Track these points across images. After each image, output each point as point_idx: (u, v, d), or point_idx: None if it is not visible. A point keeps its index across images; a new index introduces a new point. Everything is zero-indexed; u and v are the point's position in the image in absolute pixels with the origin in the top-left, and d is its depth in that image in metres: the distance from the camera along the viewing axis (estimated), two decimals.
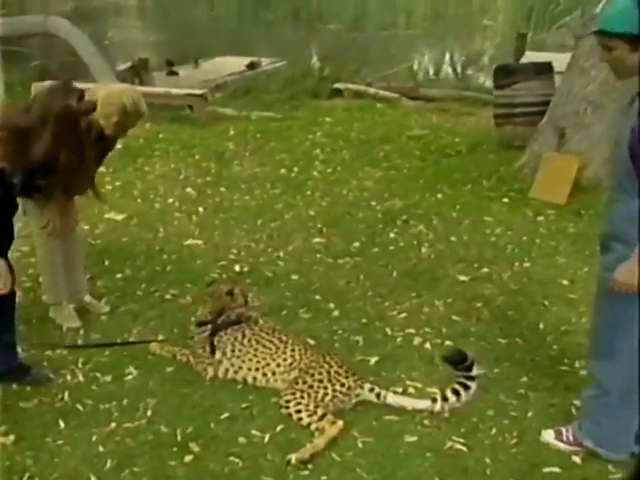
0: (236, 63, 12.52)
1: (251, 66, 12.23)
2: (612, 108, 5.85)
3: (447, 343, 3.73)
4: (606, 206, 2.72)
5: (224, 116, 8.80)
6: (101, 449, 2.83)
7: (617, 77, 2.58)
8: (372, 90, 10.39)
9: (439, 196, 6.07)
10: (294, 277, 4.51)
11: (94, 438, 2.90)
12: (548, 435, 2.97)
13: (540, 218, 5.60)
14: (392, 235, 5.23)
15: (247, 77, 11.75)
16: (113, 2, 26.33)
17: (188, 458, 2.79)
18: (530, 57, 10.20)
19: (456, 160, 7.19)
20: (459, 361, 3.12)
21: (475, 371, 3.15)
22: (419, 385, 3.34)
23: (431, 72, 16.84)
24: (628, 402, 2.70)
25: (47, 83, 8.83)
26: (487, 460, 2.84)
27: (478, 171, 6.71)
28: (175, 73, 11.18)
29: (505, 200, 5.98)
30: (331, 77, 11.44)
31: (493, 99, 7.89)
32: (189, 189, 6.13)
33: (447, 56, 19.64)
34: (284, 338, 3.37)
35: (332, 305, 4.13)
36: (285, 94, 10.34)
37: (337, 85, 10.60)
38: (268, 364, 3.28)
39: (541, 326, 3.95)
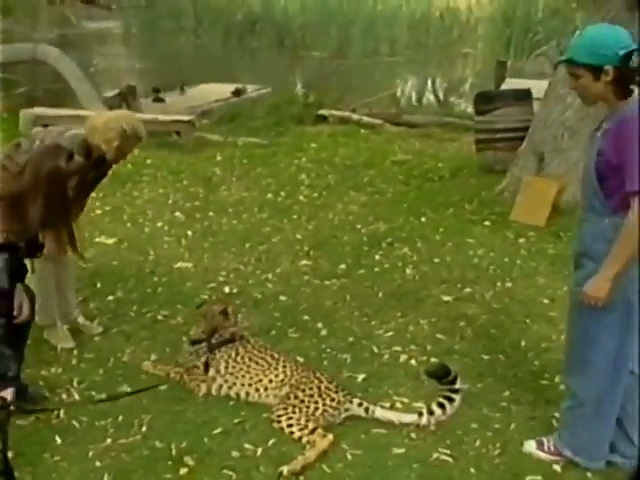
0: (221, 90, 12.71)
1: (236, 93, 12.43)
2: (588, 133, 6.01)
3: (432, 360, 3.84)
4: (577, 226, 2.88)
5: (211, 142, 8.95)
6: (97, 464, 2.92)
7: (584, 103, 2.77)
8: (356, 116, 10.59)
9: (422, 219, 6.22)
10: (282, 298, 4.62)
11: (90, 454, 2.98)
12: (530, 446, 3.09)
13: (521, 240, 5.76)
14: (377, 257, 5.36)
15: (232, 103, 11.93)
16: (98, 30, 26.57)
17: (183, 471, 2.87)
18: (510, 84, 10.44)
19: (439, 184, 7.36)
20: (442, 375, 3.24)
21: (459, 384, 3.27)
22: (406, 400, 3.45)
23: (414, 99, 17.18)
24: (602, 413, 2.83)
25: (37, 110, 9.00)
26: (472, 470, 2.95)
27: (460, 195, 6.88)
28: (161, 100, 11.35)
29: (487, 223, 6.14)
30: (316, 103, 11.62)
31: (474, 125, 8.10)
32: (178, 213, 6.25)
33: (429, 83, 20.04)
34: (276, 355, 3.48)
35: (320, 325, 4.25)
36: (270, 120, 10.50)
37: (322, 111, 10.80)
38: (261, 380, 3.39)
39: (522, 343, 4.08)
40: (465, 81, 19.95)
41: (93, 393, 3.44)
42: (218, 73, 15.85)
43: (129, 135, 3.60)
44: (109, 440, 3.07)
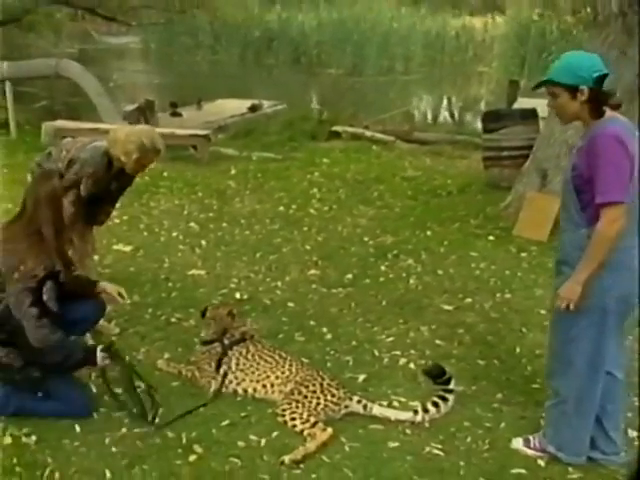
0: (237, 105, 13.03)
1: (252, 108, 12.74)
2: None
3: (430, 364, 4.04)
4: (559, 236, 3.11)
5: (226, 156, 9.25)
6: (113, 450, 3.15)
7: (561, 121, 3.02)
8: (369, 133, 10.85)
9: (428, 233, 6.44)
10: (290, 305, 4.85)
11: (107, 441, 3.21)
12: (517, 442, 3.30)
13: (523, 254, 5.96)
14: (383, 268, 5.58)
15: (248, 119, 12.24)
16: (118, 45, 27.10)
17: (192, 458, 3.10)
18: (522, 103, 10.59)
19: (446, 200, 7.59)
20: (437, 375, 3.46)
21: (453, 385, 3.49)
22: (403, 399, 3.67)
23: (429, 116, 17.43)
24: (582, 410, 3.05)
25: (58, 122, 9.34)
26: (461, 463, 3.16)
27: (466, 210, 7.10)
28: (179, 114, 11.67)
29: (490, 237, 6.34)
30: (329, 120, 11.91)
31: (482, 142, 8.33)
32: (192, 224, 6.51)
33: (445, 101, 20.30)
34: (283, 355, 3.72)
35: (325, 329, 4.47)
36: (284, 136, 10.79)
37: (335, 128, 11.07)
38: (268, 377, 3.61)
39: (517, 350, 4.28)
40: (480, 99, 20.21)
41: (110, 387, 3.65)
42: (235, 89, 16.19)
43: (148, 149, 3.87)
44: (124, 429, 3.30)
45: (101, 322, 4.34)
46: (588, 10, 6.50)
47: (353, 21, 24.33)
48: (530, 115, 7.86)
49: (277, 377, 3.59)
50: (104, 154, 4.04)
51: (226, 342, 3.82)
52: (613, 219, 2.73)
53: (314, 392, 3.42)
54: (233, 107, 12.97)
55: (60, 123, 9.42)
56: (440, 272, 5.51)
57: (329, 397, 3.41)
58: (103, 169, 4.05)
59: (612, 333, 2.95)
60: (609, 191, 2.72)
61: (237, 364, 3.69)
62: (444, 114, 18.34)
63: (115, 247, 5.76)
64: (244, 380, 3.64)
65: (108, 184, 4.04)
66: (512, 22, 23.72)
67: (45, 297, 3.23)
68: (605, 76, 2.81)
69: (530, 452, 3.23)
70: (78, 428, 3.29)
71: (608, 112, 2.84)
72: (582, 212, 2.86)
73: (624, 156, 2.72)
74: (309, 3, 26.80)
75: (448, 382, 3.49)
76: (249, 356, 3.71)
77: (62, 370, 3.39)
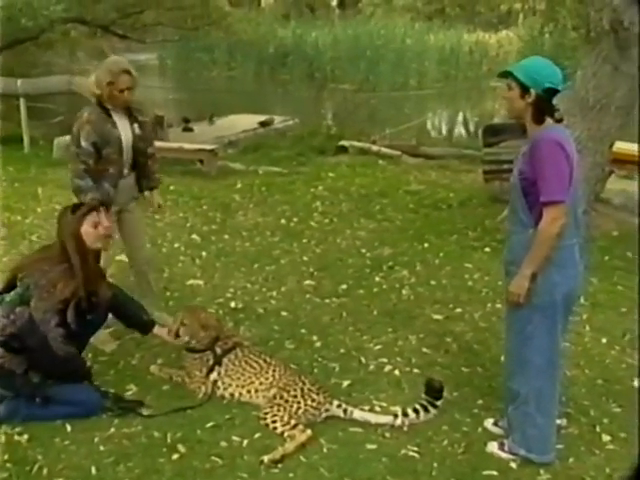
0: (249, 121, 13.23)
1: (264, 124, 12.93)
2: (583, 165, 6.34)
3: (415, 371, 4.17)
4: (506, 238, 3.31)
5: (233, 170, 9.42)
6: (102, 448, 3.30)
7: (508, 114, 3.21)
8: (375, 147, 10.97)
9: (425, 245, 6.55)
10: (283, 314, 4.98)
11: (96, 439, 3.37)
12: (492, 446, 3.41)
13: None
14: (377, 279, 5.69)
15: (259, 134, 12.43)
16: (134, 62, 27.48)
17: (175, 457, 3.25)
18: None
19: (446, 213, 7.69)
20: (436, 391, 3.56)
21: (439, 403, 3.59)
22: (384, 405, 3.78)
23: (443, 131, 17.55)
24: (543, 408, 3.18)
25: (69, 137, 9.57)
26: (435, 464, 3.27)
27: (465, 223, 7.20)
28: (190, 129, 11.90)
29: (487, 249, 6.44)
30: (338, 135, 12.07)
31: (482, 156, 8.44)
32: (194, 236, 6.67)
33: (460, 116, 20.42)
34: (268, 360, 3.85)
35: (315, 337, 4.59)
36: (294, 151, 10.95)
37: (342, 142, 11.21)
38: (252, 382, 3.75)
39: (502, 358, 4.35)
40: (494, 114, 20.29)
41: (103, 389, 3.81)
42: (249, 104, 16.42)
43: (114, 71, 4.07)
44: (113, 429, 3.46)
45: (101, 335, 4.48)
46: None
47: (367, 37, 24.53)
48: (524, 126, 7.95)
49: (261, 383, 3.73)
50: (93, 104, 4.23)
51: (218, 351, 3.94)
52: (555, 217, 2.94)
53: (295, 397, 3.55)
54: (245, 122, 13.18)
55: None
56: (433, 283, 5.62)
57: (309, 402, 3.54)
58: (95, 112, 4.18)
59: (561, 328, 3.16)
60: (551, 191, 2.93)
61: (225, 370, 3.83)
62: (459, 129, 18.49)
63: (117, 258, 5.91)
64: (230, 385, 3.79)
65: (107, 131, 4.17)
66: (524, 38, 23.84)
67: (69, 319, 3.57)
68: (556, 91, 3.00)
69: (504, 455, 3.34)
70: (69, 427, 3.45)
71: (548, 120, 3.04)
72: (529, 213, 3.05)
73: (564, 159, 2.94)
74: (324, 19, 27.13)
75: (438, 398, 3.60)
76: (236, 362, 3.85)
77: (76, 379, 3.72)
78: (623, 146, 8.52)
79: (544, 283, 3.05)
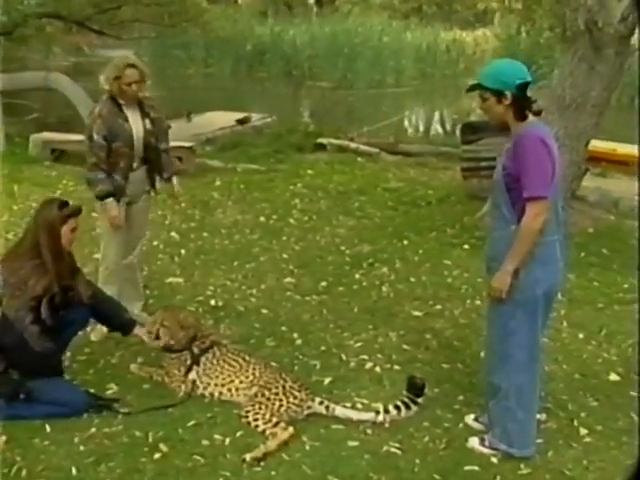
0: (227, 118, 13.15)
1: (241, 121, 12.86)
2: (560, 162, 6.40)
3: (395, 368, 4.19)
4: (488, 233, 3.34)
5: (211, 168, 9.36)
6: (82, 448, 3.28)
7: (491, 121, 3.24)
8: (354, 145, 10.96)
9: (405, 242, 6.57)
10: (264, 311, 4.98)
11: (76, 440, 3.34)
12: (473, 441, 3.44)
13: None
14: (357, 276, 5.71)
15: (236, 131, 12.36)
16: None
17: (157, 456, 3.24)
18: None
19: (425, 210, 7.72)
20: (417, 389, 3.58)
21: (421, 400, 3.61)
22: (366, 402, 3.79)
23: (420, 129, 17.61)
24: (524, 402, 3.22)
25: (46, 135, 9.48)
26: (417, 461, 3.29)
27: (444, 220, 7.24)
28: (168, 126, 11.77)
29: (466, 246, 6.48)
30: (316, 132, 12.04)
31: (460, 154, 8.49)
32: (173, 233, 6.63)
33: (437, 114, 20.51)
34: (247, 358, 3.84)
35: (296, 335, 4.60)
36: (271, 148, 10.90)
37: (321, 140, 11.20)
38: (232, 381, 3.74)
39: (482, 354, 4.38)
40: (470, 112, 20.41)
41: (83, 389, 3.78)
42: (227, 102, 16.32)
43: (120, 66, 4.18)
44: (94, 429, 3.43)
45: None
46: None
47: (344, 35, 24.52)
48: (507, 127, 8.00)
49: (241, 381, 3.72)
50: (106, 98, 4.33)
51: (196, 351, 3.92)
52: (538, 213, 2.97)
53: (276, 394, 3.55)
54: (222, 120, 13.09)
55: (48, 135, 9.57)
56: (413, 280, 5.64)
57: (291, 399, 3.54)
58: (107, 107, 4.29)
59: (541, 323, 3.21)
60: (534, 187, 2.96)
61: (204, 369, 3.82)
62: (435, 126, 18.57)
63: (95, 256, 5.86)
64: (210, 384, 3.78)
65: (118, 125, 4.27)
66: (501, 36, 23.99)
67: (43, 315, 3.54)
68: (527, 84, 3.05)
69: (485, 450, 3.37)
70: (49, 428, 3.42)
71: (531, 117, 3.08)
72: (512, 209, 3.08)
73: (547, 156, 2.98)
74: (301, 17, 27.08)
75: (419, 395, 3.61)
76: (214, 361, 3.83)
77: (56, 373, 3.71)
78: (599, 144, 8.64)
79: (526, 279, 3.08)
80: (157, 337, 3.96)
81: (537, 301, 3.14)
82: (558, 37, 9.61)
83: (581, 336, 4.78)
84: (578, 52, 6.14)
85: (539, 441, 3.44)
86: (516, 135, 3.07)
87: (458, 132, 8.90)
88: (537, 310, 3.16)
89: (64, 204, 3.73)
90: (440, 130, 17.78)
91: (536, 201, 2.97)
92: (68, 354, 4.15)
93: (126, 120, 4.33)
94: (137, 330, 4.04)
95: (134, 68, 4.24)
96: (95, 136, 4.22)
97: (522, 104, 3.06)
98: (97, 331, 4.43)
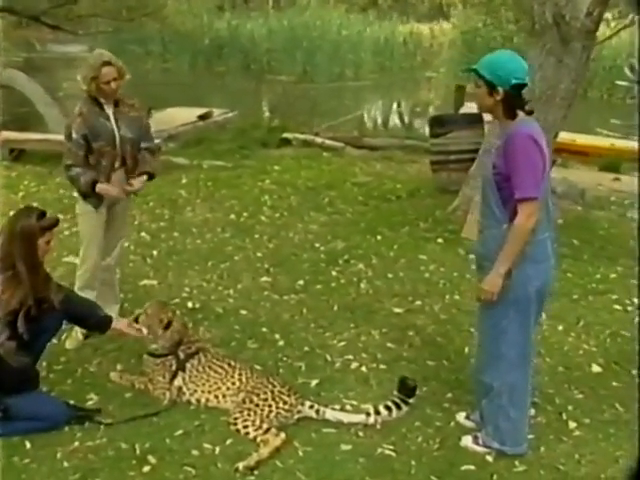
0: (188, 114, 12.92)
1: (203, 117, 12.68)
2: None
3: (381, 367, 4.14)
4: (479, 232, 3.26)
5: (177, 165, 9.18)
6: (65, 464, 3.14)
7: (480, 110, 3.18)
8: (319, 139, 10.91)
9: (379, 238, 6.53)
10: (243, 312, 4.88)
11: (58, 455, 3.21)
12: (466, 440, 3.41)
13: (471, 256, 6.06)
14: (334, 273, 5.64)
15: (199, 127, 12.17)
16: (65, 54, 26.65)
17: (146, 469, 3.12)
18: (469, 108, 10.77)
19: (396, 204, 7.69)
20: (408, 390, 3.52)
21: (412, 400, 3.56)
22: (355, 403, 3.73)
23: (379, 122, 17.62)
24: (516, 400, 3.21)
25: (4, 133, 9.18)
26: (412, 462, 3.25)
27: (416, 214, 7.22)
28: None
29: (439, 240, 6.47)
30: (280, 127, 11.94)
31: (429, 147, 8.48)
32: (144, 234, 6.48)
33: (394, 107, 20.56)
34: (232, 363, 3.74)
35: (277, 336, 4.51)
36: (236, 144, 10.77)
37: (286, 135, 11.11)
38: (219, 387, 3.64)
39: (466, 350, 4.39)
40: (429, 104, 20.50)
41: (61, 400, 3.64)
42: (185, 97, 16.10)
43: (96, 65, 4.05)
44: (77, 443, 3.30)
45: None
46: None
47: (303, 28, 24.41)
48: (476, 120, 8.02)
49: (228, 388, 3.62)
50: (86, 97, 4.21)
51: (181, 356, 3.81)
52: (529, 213, 2.93)
53: (265, 400, 3.46)
54: (183, 116, 12.87)
55: (6, 134, 9.27)
56: (390, 276, 5.60)
57: (281, 404, 3.46)
58: (87, 106, 4.18)
59: (533, 322, 3.19)
60: (525, 188, 2.90)
61: (190, 376, 3.71)
62: (394, 119, 18.61)
63: (65, 259, 5.70)
64: (196, 391, 3.67)
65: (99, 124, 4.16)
66: (458, 29, 24.14)
67: (20, 329, 3.36)
68: (523, 85, 2.97)
69: (479, 449, 3.34)
70: (28, 444, 3.27)
71: (521, 114, 3.01)
72: (503, 208, 3.02)
73: (538, 154, 2.91)
74: (258, 10, 26.86)
75: (410, 396, 3.57)
76: (200, 367, 3.72)
77: (31, 388, 3.53)
78: (566, 136, 8.73)
79: (518, 278, 3.03)
80: (136, 321, 3.83)
81: (530, 299, 3.10)
82: (523, 30, 9.65)
83: (560, 328, 4.80)
84: (546, 46, 6.16)
85: (530, 437, 3.43)
86: (506, 133, 3.00)
87: (427, 125, 8.86)
88: (529, 308, 3.13)
89: (42, 214, 3.56)
90: (399, 123, 17.83)
91: (528, 202, 2.91)
92: (44, 364, 4.00)
93: (108, 119, 4.21)
94: (115, 324, 3.85)
95: (110, 66, 4.10)
96: (74, 135, 4.11)
97: (513, 103, 2.98)
98: (72, 339, 4.30)
